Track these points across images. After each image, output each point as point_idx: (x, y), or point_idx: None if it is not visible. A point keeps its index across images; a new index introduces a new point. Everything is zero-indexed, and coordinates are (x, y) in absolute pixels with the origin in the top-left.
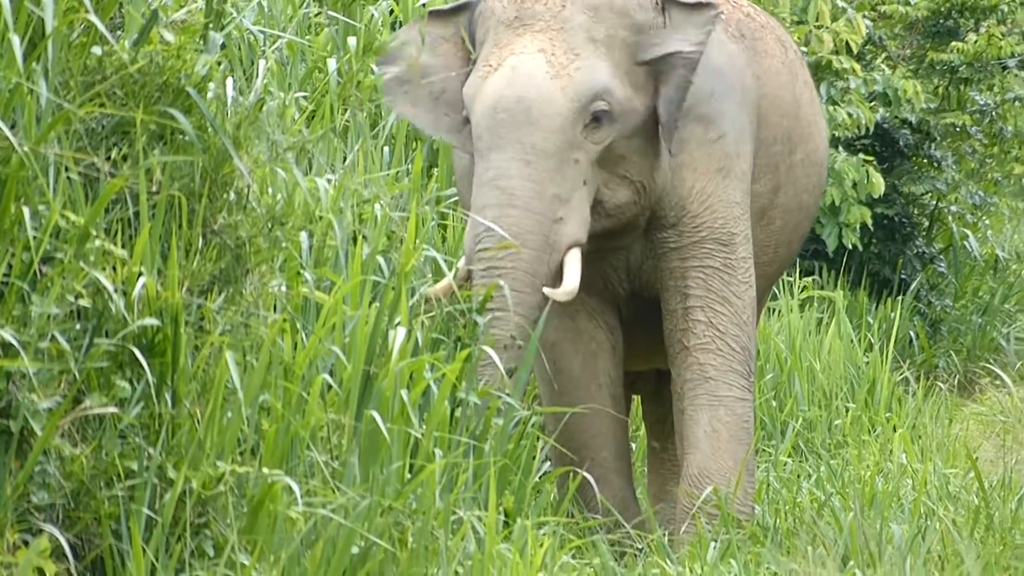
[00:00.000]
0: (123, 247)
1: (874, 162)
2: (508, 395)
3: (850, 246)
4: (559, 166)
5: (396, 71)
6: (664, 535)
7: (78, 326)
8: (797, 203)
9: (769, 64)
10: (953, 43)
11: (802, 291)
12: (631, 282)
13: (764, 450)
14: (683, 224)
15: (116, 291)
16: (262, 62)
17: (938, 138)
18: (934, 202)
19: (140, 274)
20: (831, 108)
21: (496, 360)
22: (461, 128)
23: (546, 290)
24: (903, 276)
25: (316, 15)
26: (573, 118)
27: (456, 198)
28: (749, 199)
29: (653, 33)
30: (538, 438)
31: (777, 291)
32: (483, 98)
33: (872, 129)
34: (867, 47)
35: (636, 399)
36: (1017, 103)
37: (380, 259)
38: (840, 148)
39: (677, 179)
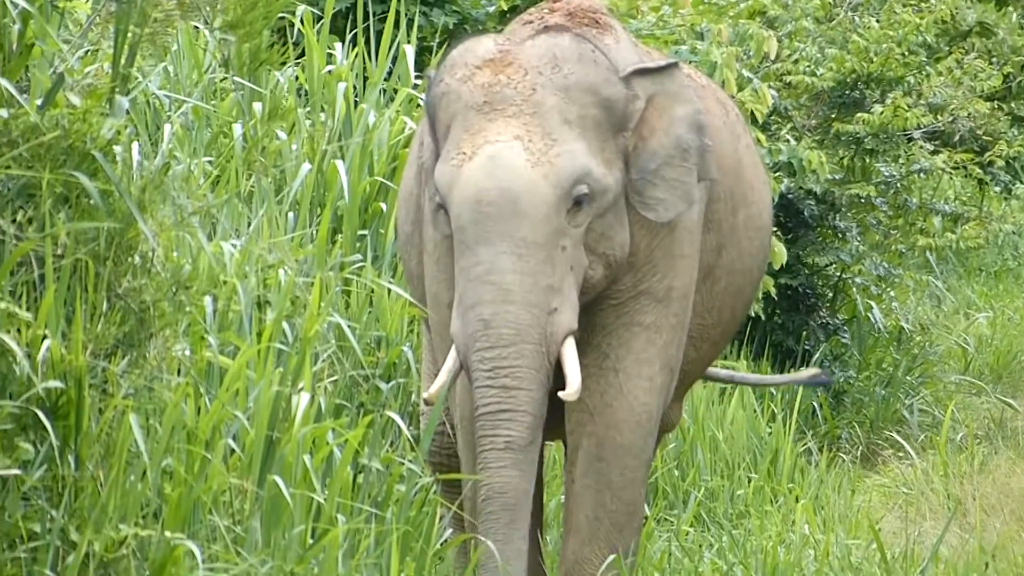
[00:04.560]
0: (28, 309)
1: (778, 232)
2: (412, 462)
3: (753, 315)
4: (549, 256)
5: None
6: None
7: None
8: (741, 265)
9: (710, 122)
10: (859, 114)
11: None
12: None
13: (666, 519)
14: (626, 280)
15: (20, 353)
16: (168, 126)
17: (843, 209)
18: (838, 273)
19: (44, 337)
20: None
21: (508, 462)
22: (435, 210)
23: (561, 394)
24: (807, 347)
25: (222, 80)
26: (558, 206)
27: (360, 264)
28: (698, 252)
29: (623, 108)
30: (440, 504)
31: None
32: (462, 188)
33: (776, 199)
34: (772, 117)
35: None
36: (922, 175)
37: (284, 324)
38: None
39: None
